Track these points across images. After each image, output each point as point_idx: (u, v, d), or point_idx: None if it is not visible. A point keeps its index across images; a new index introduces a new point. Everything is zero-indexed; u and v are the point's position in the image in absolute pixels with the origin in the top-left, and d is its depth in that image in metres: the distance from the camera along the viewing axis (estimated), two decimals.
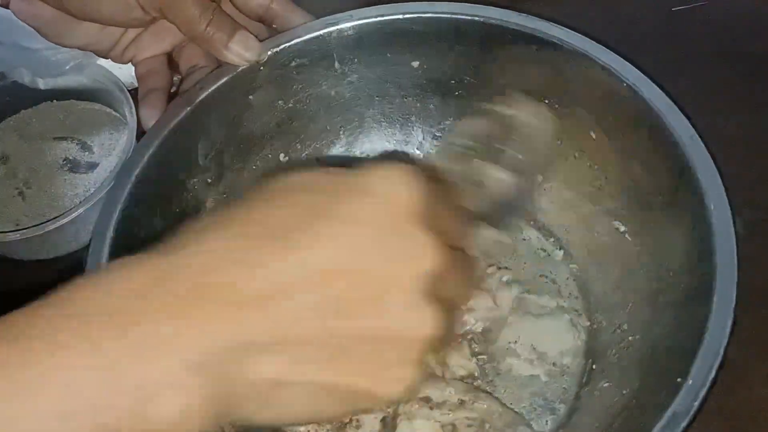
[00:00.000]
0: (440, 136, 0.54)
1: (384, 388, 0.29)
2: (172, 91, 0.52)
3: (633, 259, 0.48)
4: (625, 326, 0.47)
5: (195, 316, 0.25)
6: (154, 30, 0.51)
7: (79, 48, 0.52)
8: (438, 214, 0.30)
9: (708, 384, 0.36)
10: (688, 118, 0.43)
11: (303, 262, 0.27)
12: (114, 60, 0.53)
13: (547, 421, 0.46)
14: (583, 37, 0.46)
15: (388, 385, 0.29)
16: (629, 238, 0.48)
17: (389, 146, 0.56)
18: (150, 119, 0.48)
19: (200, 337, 0.25)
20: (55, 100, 0.61)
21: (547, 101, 0.49)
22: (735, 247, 0.39)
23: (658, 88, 0.44)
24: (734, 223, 0.40)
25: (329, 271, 0.27)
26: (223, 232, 0.28)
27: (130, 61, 0.52)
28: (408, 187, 0.29)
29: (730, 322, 0.37)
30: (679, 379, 0.36)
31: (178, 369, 0.25)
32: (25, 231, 0.51)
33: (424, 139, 0.56)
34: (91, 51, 0.52)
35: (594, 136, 0.49)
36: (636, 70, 0.45)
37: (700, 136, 0.43)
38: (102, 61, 0.57)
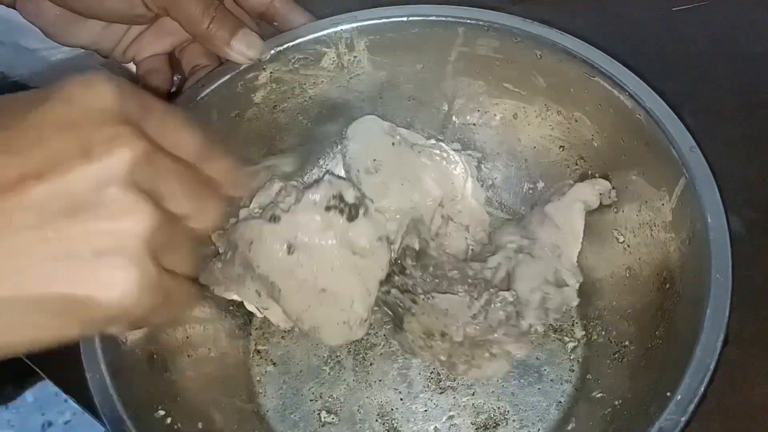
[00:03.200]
0: (442, 139, 0.54)
1: (104, 294, 0.27)
2: (173, 90, 0.52)
3: (630, 270, 0.48)
4: (620, 336, 0.47)
5: None
6: (155, 29, 0.51)
7: (82, 47, 0.51)
8: (151, 118, 0.29)
9: (697, 399, 0.36)
10: (685, 122, 0.43)
11: None
12: (116, 59, 0.53)
13: (539, 429, 0.47)
14: (587, 44, 0.47)
15: (108, 291, 0.27)
16: (627, 249, 0.48)
17: None
18: None
19: None
20: None
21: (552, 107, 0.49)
22: (730, 263, 0.39)
23: (659, 98, 0.44)
24: (731, 234, 0.40)
25: (23, 179, 0.26)
26: None
27: (132, 60, 0.52)
28: (105, 89, 0.28)
29: (722, 337, 0.37)
30: (668, 393, 0.36)
31: None
32: None
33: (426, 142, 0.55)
34: (94, 50, 0.52)
35: (596, 144, 0.49)
36: (637, 78, 0.45)
37: (701, 136, 0.43)
38: (102, 62, 0.57)
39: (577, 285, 0.49)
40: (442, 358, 0.47)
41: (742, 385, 0.48)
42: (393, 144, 0.52)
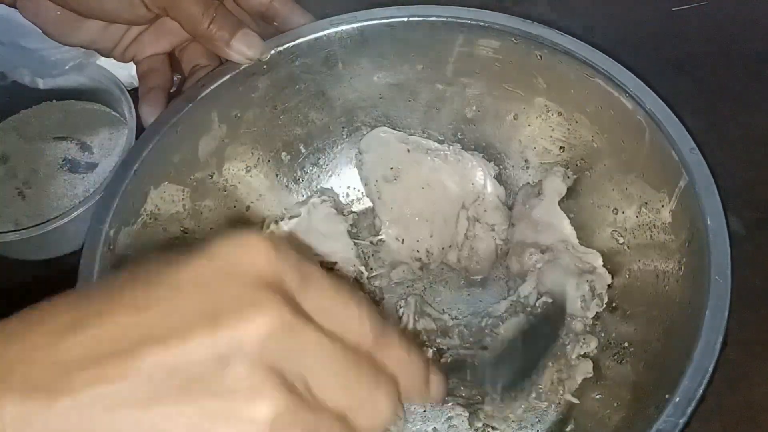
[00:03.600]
0: (442, 140, 0.54)
1: None
2: (172, 90, 0.52)
3: (629, 271, 0.48)
4: (619, 338, 0.47)
5: None
6: (155, 29, 0.51)
7: (82, 46, 0.52)
8: (308, 287, 0.25)
9: (695, 401, 0.36)
10: (685, 123, 0.43)
11: (109, 331, 0.23)
12: (116, 59, 0.53)
13: (538, 430, 0.47)
14: (587, 45, 0.47)
15: None
16: (627, 250, 0.48)
17: None
18: (150, 116, 0.48)
19: None
20: (54, 100, 0.61)
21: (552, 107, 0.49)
22: (730, 266, 0.39)
23: (659, 99, 0.44)
24: (730, 234, 0.40)
25: (140, 343, 0.22)
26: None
27: (132, 59, 0.52)
28: (257, 249, 0.24)
29: (720, 339, 0.37)
30: (666, 396, 0.36)
31: None
32: (25, 231, 0.51)
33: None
34: (94, 50, 0.52)
35: (596, 145, 0.49)
36: (637, 79, 0.45)
37: (701, 137, 0.43)
38: (101, 61, 0.57)
39: (601, 261, 0.49)
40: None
41: (742, 386, 0.48)
42: (408, 151, 0.52)
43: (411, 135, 0.54)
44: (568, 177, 0.50)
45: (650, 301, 0.45)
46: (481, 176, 0.53)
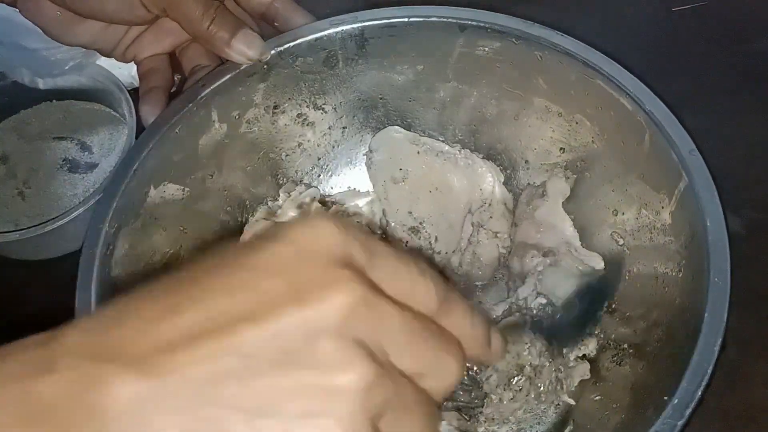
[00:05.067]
0: (442, 141, 0.54)
1: None
2: (173, 90, 0.52)
3: (629, 273, 0.48)
4: (618, 339, 0.47)
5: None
6: (155, 29, 0.51)
7: (82, 46, 0.52)
8: (378, 263, 0.26)
9: (694, 403, 0.36)
10: (685, 124, 0.43)
11: (202, 312, 0.24)
12: (116, 59, 0.53)
13: (537, 431, 0.47)
14: (587, 46, 0.47)
15: None
16: (627, 251, 0.48)
17: None
18: (150, 116, 0.48)
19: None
20: (54, 100, 0.61)
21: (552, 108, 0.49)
22: (729, 268, 0.39)
23: (659, 100, 0.44)
24: (730, 235, 0.40)
25: (233, 321, 0.24)
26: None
27: (133, 59, 0.52)
28: (328, 230, 0.26)
29: (719, 341, 0.37)
30: (665, 397, 0.36)
31: None
32: (25, 231, 0.51)
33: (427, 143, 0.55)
34: (94, 50, 0.52)
35: (596, 146, 0.49)
36: (637, 80, 0.45)
37: (700, 137, 0.43)
38: (101, 61, 0.57)
39: (602, 264, 0.49)
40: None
41: (741, 386, 0.48)
42: (418, 153, 0.52)
43: (423, 136, 0.54)
44: (568, 178, 0.50)
45: (649, 302, 0.45)
46: (490, 182, 0.53)
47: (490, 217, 0.53)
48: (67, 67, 0.57)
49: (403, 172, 0.52)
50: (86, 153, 0.59)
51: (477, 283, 0.53)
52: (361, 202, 0.53)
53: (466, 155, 0.53)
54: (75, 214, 0.51)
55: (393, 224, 0.53)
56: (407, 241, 0.52)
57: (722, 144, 0.43)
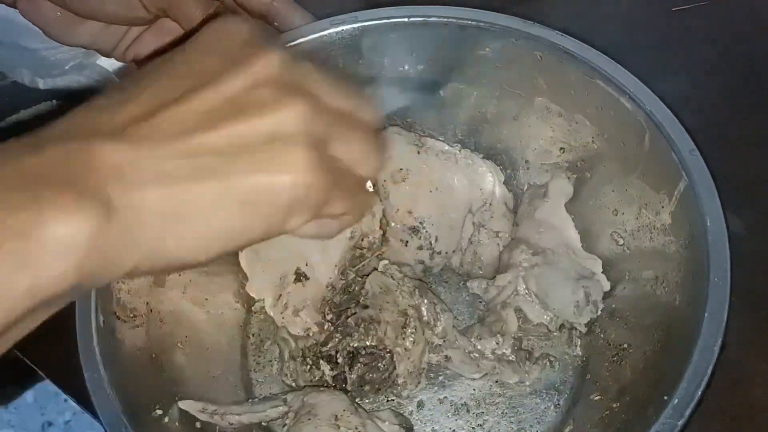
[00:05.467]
0: (442, 140, 0.54)
1: (280, 176, 0.28)
2: None
3: (629, 273, 0.48)
4: (619, 339, 0.47)
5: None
6: (156, 28, 0.51)
7: (82, 47, 0.52)
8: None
9: (694, 403, 0.36)
10: (685, 124, 0.43)
11: (164, 89, 0.28)
12: (117, 59, 0.53)
13: (537, 431, 0.47)
14: (587, 46, 0.47)
15: (283, 171, 0.28)
16: (627, 251, 0.48)
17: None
18: None
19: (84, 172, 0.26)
20: (54, 100, 0.61)
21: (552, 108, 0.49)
22: (729, 268, 0.39)
23: (659, 100, 0.44)
24: (730, 235, 0.40)
25: (190, 90, 0.28)
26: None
27: (133, 59, 0.52)
28: (241, 19, 0.32)
29: (719, 341, 0.37)
30: (665, 397, 0.36)
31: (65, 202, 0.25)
32: None
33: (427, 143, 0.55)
34: (94, 50, 0.52)
35: (596, 146, 0.49)
36: (637, 80, 0.45)
37: (700, 137, 0.43)
38: (101, 61, 0.57)
39: (601, 268, 0.49)
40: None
41: (742, 386, 0.48)
42: (418, 153, 0.52)
43: (423, 136, 0.54)
44: (569, 178, 0.50)
45: (649, 302, 0.45)
46: (490, 181, 0.53)
47: (491, 217, 0.53)
48: (67, 67, 0.57)
49: (403, 172, 0.52)
50: None
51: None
52: None
53: (466, 155, 0.53)
54: None
55: (393, 224, 0.53)
56: (407, 242, 0.52)
57: (722, 144, 0.43)
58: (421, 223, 0.53)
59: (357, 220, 0.34)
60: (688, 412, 0.36)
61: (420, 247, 0.52)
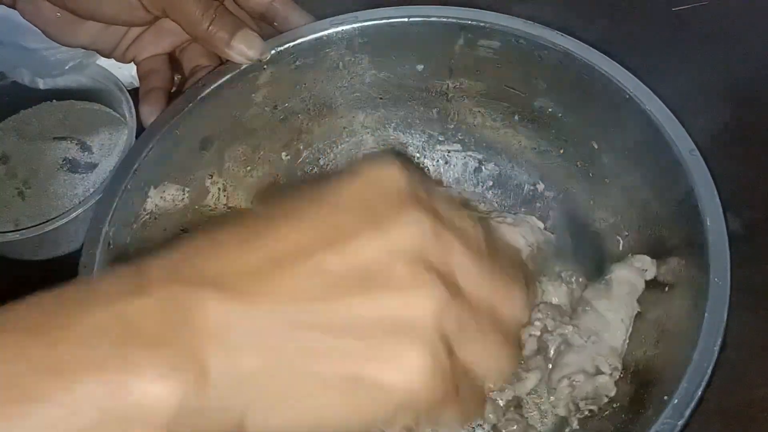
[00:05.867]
0: (442, 140, 0.54)
1: (392, 375, 0.25)
2: (173, 90, 0.52)
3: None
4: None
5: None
6: (155, 29, 0.51)
7: (82, 47, 0.52)
8: (437, 200, 0.28)
9: (694, 403, 0.36)
10: (684, 124, 0.43)
11: (285, 243, 0.26)
12: (116, 59, 0.53)
13: (539, 430, 0.46)
14: (587, 46, 0.46)
15: (396, 371, 0.25)
16: (627, 251, 0.48)
17: (390, 148, 0.56)
18: (150, 116, 0.48)
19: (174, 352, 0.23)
20: (54, 100, 0.61)
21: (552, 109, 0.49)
22: (729, 267, 0.38)
23: (659, 100, 0.44)
24: (730, 235, 0.39)
25: (316, 249, 0.26)
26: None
27: (132, 60, 0.52)
28: (396, 168, 0.28)
29: (719, 341, 0.37)
30: (665, 397, 0.36)
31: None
32: (24, 231, 0.51)
33: (427, 142, 0.56)
34: (94, 50, 0.52)
35: (595, 146, 0.49)
36: (637, 80, 0.45)
37: (700, 137, 0.43)
38: (102, 61, 0.57)
39: (616, 374, 0.44)
40: None
41: (741, 386, 0.47)
42: None
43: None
44: (650, 273, 0.45)
45: (649, 302, 0.45)
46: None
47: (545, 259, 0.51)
48: (67, 67, 0.57)
49: None
50: (86, 153, 0.59)
51: None
52: None
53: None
54: (75, 214, 0.51)
55: None
56: None
57: (722, 144, 0.42)
58: None
59: (464, 426, 0.32)
60: (688, 412, 0.35)
61: None
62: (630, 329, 0.45)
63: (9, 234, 0.52)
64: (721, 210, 0.40)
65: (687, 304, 0.41)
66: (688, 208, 0.42)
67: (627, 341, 0.45)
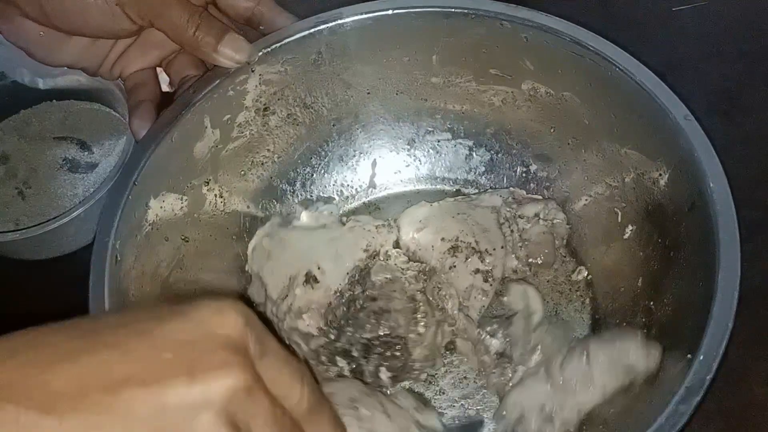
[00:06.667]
0: (431, 130, 0.53)
1: None
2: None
3: (632, 253, 0.48)
4: (626, 313, 0.47)
5: None
6: (141, 43, 0.51)
7: (68, 66, 0.51)
8: (265, 355, 0.28)
9: (719, 357, 0.36)
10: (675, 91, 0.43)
11: (100, 371, 0.25)
12: (103, 77, 0.52)
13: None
14: (572, 24, 0.47)
15: None
16: (628, 221, 0.48)
17: (380, 142, 0.56)
18: (141, 130, 0.48)
19: None
20: (54, 100, 0.61)
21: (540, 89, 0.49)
22: (737, 224, 0.39)
23: (648, 70, 0.44)
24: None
25: (127, 380, 0.25)
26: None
27: (119, 76, 0.52)
28: (231, 317, 0.28)
29: (736, 294, 0.37)
30: (689, 355, 0.36)
31: None
32: (25, 231, 0.52)
33: (417, 134, 0.56)
34: (79, 69, 0.51)
35: (587, 122, 0.49)
36: (626, 53, 0.45)
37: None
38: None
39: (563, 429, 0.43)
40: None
41: (742, 386, 0.48)
42: (431, 205, 0.52)
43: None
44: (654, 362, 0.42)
45: (658, 268, 0.45)
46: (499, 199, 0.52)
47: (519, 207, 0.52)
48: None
49: (423, 222, 0.51)
50: (86, 153, 0.59)
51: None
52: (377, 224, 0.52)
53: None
54: (75, 214, 0.52)
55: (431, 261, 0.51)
56: (452, 265, 0.50)
57: (723, 144, 0.42)
58: (456, 238, 0.51)
59: None
60: (715, 365, 0.36)
61: (467, 258, 0.50)
62: (605, 398, 0.43)
63: (9, 234, 0.52)
64: (722, 169, 0.40)
65: (698, 264, 0.40)
66: (688, 172, 0.42)
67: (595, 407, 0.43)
